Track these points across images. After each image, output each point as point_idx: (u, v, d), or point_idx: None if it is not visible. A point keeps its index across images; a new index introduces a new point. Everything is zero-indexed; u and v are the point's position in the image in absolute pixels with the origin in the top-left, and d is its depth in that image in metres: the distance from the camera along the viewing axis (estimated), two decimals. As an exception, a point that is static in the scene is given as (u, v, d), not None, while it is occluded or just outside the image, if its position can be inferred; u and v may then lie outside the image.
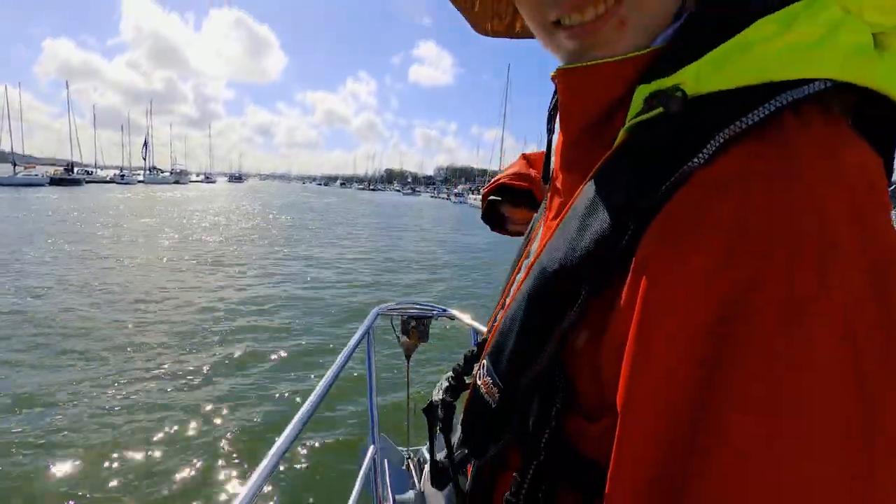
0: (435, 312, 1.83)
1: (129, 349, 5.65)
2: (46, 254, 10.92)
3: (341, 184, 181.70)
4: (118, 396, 4.47)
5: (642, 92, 0.34)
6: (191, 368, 5.16)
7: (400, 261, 13.32)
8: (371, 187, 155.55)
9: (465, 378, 0.59)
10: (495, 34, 0.63)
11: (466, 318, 1.77)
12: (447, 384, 0.63)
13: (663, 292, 0.28)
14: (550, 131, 0.53)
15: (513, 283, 0.52)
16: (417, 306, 1.85)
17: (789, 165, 0.27)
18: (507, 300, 0.46)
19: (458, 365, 0.64)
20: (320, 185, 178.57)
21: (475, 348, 0.63)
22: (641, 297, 0.29)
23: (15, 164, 49.28)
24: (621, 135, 0.36)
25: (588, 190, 0.37)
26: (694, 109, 0.31)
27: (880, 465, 0.24)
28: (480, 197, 0.84)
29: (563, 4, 0.38)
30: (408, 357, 1.88)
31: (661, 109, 0.32)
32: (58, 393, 4.47)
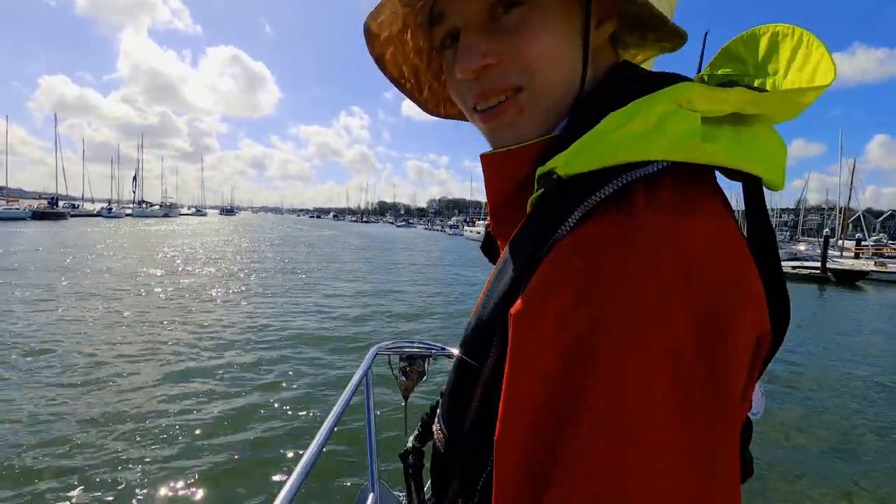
0: (434, 351, 1.77)
1: (106, 387, 5.31)
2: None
3: (334, 216, 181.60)
4: (87, 451, 4.05)
5: (538, 173, 0.40)
6: (178, 416, 4.71)
7: (400, 297, 12.19)
8: (364, 219, 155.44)
9: (433, 426, 0.62)
10: (448, 117, 0.66)
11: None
12: (417, 431, 0.67)
13: (524, 337, 0.34)
14: None
15: None
16: (416, 345, 1.80)
17: (630, 231, 0.32)
18: None
19: (426, 414, 0.68)
20: (313, 217, 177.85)
21: (439, 398, 0.66)
22: (511, 344, 0.35)
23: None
24: (528, 208, 0.42)
25: (504, 255, 0.43)
26: (565, 188, 0.37)
27: (716, 491, 0.30)
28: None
29: (475, 94, 0.47)
30: (406, 397, 1.80)
31: (543, 189, 0.39)
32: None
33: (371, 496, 1.44)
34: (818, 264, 24.04)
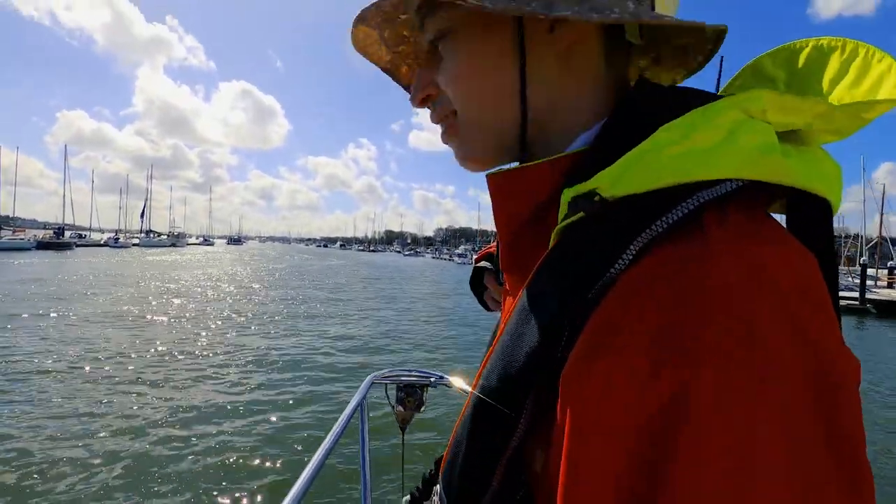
0: (433, 379, 1.72)
1: (101, 422, 5.19)
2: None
3: (341, 245, 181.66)
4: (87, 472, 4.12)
5: (567, 195, 0.34)
6: (156, 447, 4.62)
7: (412, 333, 10.96)
8: (371, 248, 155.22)
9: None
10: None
11: (465, 385, 1.64)
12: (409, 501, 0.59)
13: (587, 412, 0.27)
14: None
15: None
16: (414, 373, 1.75)
17: (711, 265, 0.26)
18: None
19: (417, 488, 0.60)
20: (320, 246, 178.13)
21: (434, 467, 0.58)
22: (568, 417, 0.28)
23: (1, 228, 47.61)
24: (553, 237, 0.35)
25: (525, 297, 0.36)
26: (614, 212, 0.31)
27: None
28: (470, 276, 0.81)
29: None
30: (403, 428, 1.75)
31: (582, 214, 0.32)
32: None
33: None
34: (855, 295, 22.47)
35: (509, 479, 0.34)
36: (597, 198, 0.32)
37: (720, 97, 0.34)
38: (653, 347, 0.25)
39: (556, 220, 0.35)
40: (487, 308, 0.77)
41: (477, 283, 0.77)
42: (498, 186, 0.42)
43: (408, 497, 0.59)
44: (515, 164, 0.42)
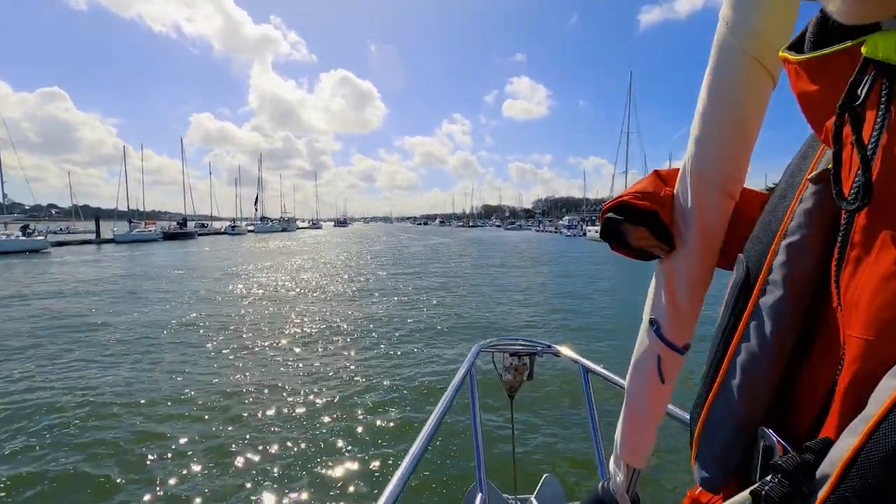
0: (539, 348, 1.72)
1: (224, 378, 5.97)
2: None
3: (441, 222, 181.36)
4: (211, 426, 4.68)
5: None
6: (282, 422, 4.86)
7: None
8: (471, 224, 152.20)
9: None
10: None
11: (573, 355, 1.66)
12: None
13: None
14: (841, 129, 0.35)
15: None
16: (520, 342, 1.74)
17: None
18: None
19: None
20: (420, 224, 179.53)
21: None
22: None
23: (131, 221, 50.81)
24: None
25: None
26: None
27: None
28: (600, 227, 0.77)
29: None
30: (511, 396, 1.75)
31: None
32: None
33: (479, 497, 1.36)
34: None
35: None
36: None
37: None
38: None
39: None
40: (631, 254, 0.72)
41: (608, 231, 0.73)
42: None
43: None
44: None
